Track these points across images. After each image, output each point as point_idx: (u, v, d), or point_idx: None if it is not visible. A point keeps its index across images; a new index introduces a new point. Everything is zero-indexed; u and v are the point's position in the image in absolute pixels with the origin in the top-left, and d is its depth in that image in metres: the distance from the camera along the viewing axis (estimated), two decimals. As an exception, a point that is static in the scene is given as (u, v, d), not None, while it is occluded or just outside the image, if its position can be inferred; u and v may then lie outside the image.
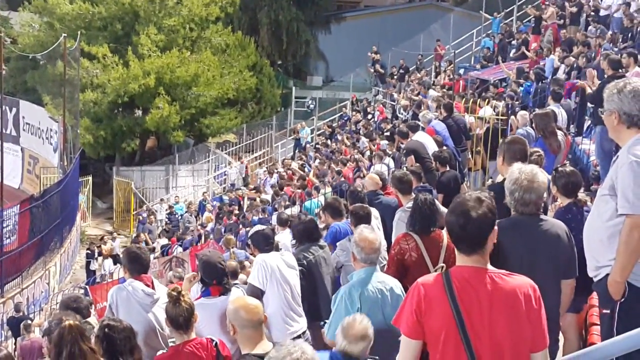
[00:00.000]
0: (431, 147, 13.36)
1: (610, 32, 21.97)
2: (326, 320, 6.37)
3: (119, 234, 33.54)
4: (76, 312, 6.72)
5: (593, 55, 20.25)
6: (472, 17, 40.26)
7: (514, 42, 29.09)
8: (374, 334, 5.33)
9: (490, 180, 11.73)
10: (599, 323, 5.16)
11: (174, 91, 37.27)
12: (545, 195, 5.74)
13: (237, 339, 5.18)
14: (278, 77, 44.50)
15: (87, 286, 20.97)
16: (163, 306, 6.05)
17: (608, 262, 4.78)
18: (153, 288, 6.90)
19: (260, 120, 41.02)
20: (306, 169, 27.74)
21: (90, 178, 36.59)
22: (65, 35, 33.19)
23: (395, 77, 35.48)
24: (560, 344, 6.13)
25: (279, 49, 46.09)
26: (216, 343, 5.68)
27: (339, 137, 30.51)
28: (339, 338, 5.25)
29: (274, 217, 20.06)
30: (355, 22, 48.51)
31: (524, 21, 31.70)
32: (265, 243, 7.73)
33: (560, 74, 20.07)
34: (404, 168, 12.65)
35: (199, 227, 27.78)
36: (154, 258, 21.76)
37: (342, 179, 20.65)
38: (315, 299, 7.83)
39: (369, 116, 32.36)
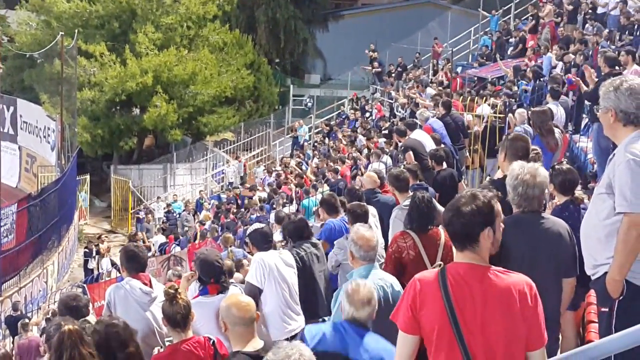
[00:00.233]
0: (429, 145, 13.35)
1: (607, 30, 21.99)
2: (325, 318, 6.38)
3: (115, 233, 33.59)
4: (75, 310, 6.72)
5: (590, 53, 20.27)
6: (470, 15, 40.29)
7: (511, 39, 29.10)
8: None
9: (488, 178, 11.72)
10: (596, 321, 5.16)
11: (171, 89, 37.23)
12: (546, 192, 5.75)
13: (229, 336, 5.18)
14: (276, 75, 44.46)
15: (85, 285, 20.98)
16: (161, 305, 6.05)
17: (606, 260, 4.78)
18: (151, 286, 6.89)
19: (258, 119, 41.01)
20: (303, 167, 27.75)
21: (87, 177, 36.53)
22: (63, 33, 33.16)
23: (393, 75, 35.48)
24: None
25: (276, 47, 46.05)
26: (214, 342, 5.67)
27: (337, 136, 30.51)
28: (345, 306, 5.24)
29: (272, 216, 20.09)
30: (353, 20, 48.50)
31: (522, 19, 31.71)
32: (263, 241, 7.73)
33: (558, 72, 20.06)
34: (402, 166, 12.65)
35: (197, 226, 27.79)
36: (152, 256, 21.78)
37: (340, 177, 20.66)
38: (310, 296, 7.83)
39: (367, 114, 32.36)
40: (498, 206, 4.10)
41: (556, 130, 10.37)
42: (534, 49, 24.83)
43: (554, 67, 21.05)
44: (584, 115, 16.50)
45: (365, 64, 39.66)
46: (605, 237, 4.79)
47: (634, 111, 4.83)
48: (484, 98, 19.68)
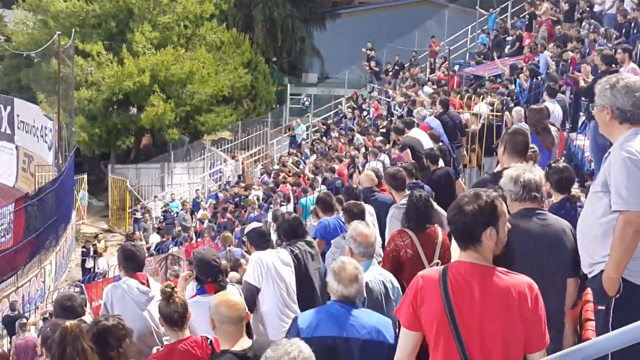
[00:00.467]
0: (427, 144, 13.37)
1: (603, 28, 22.00)
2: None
3: (112, 232, 33.57)
4: (70, 310, 6.71)
5: (587, 51, 20.28)
6: (467, 14, 40.31)
7: (508, 38, 29.10)
8: None
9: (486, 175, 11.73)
10: (593, 319, 5.16)
11: (168, 89, 37.20)
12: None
13: (217, 335, 5.18)
14: (273, 74, 44.47)
15: (82, 284, 20.96)
16: (158, 304, 6.05)
17: (602, 258, 4.79)
18: (148, 286, 6.89)
19: (256, 118, 41.01)
20: (301, 166, 27.75)
21: (85, 176, 36.51)
22: (60, 33, 33.09)
23: (390, 73, 35.48)
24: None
25: (273, 46, 46.04)
26: (211, 341, 5.67)
27: (334, 134, 30.50)
28: (333, 285, 5.26)
29: (269, 214, 20.10)
30: (350, 18, 48.49)
31: (520, 16, 31.70)
32: (261, 240, 7.73)
33: (554, 70, 20.08)
34: (399, 164, 12.66)
35: (197, 224, 27.82)
36: (149, 256, 21.77)
37: (337, 175, 20.66)
38: (305, 295, 7.83)
39: (364, 113, 32.36)
40: (503, 206, 4.09)
41: (553, 128, 10.39)
42: (531, 47, 24.83)
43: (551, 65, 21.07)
44: (581, 113, 16.52)
45: (363, 63, 39.68)
46: (602, 236, 4.80)
47: (630, 109, 4.84)
48: (481, 96, 19.69)
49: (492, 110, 16.44)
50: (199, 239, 23.87)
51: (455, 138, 15.39)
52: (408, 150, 12.68)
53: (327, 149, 27.61)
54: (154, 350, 6.20)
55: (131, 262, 6.99)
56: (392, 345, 5.06)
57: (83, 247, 28.97)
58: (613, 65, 13.26)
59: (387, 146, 18.95)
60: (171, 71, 36.55)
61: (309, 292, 7.82)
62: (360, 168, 19.44)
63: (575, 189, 7.04)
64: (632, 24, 19.92)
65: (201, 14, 38.97)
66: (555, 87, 14.64)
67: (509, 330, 3.89)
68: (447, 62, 30.12)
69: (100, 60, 36.30)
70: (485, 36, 31.87)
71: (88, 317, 7.20)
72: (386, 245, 7.51)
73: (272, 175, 28.15)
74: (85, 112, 36.80)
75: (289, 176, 26.00)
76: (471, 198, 4.01)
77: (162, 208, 32.62)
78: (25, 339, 15.63)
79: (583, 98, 15.95)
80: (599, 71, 13.23)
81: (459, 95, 20.54)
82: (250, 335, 7.09)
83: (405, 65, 35.82)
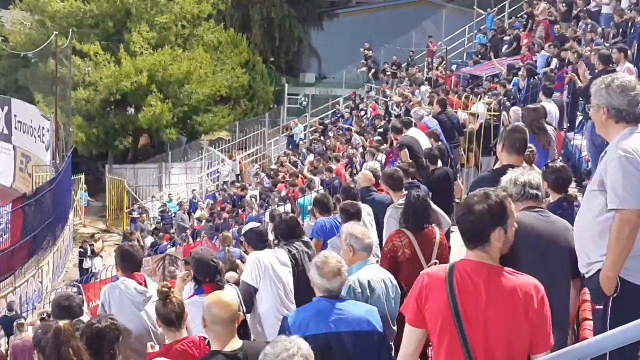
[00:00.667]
0: (425, 143, 13.37)
1: (600, 28, 22.01)
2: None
3: (110, 232, 33.55)
4: (68, 310, 6.72)
5: (585, 50, 20.27)
6: (464, 13, 40.29)
7: (506, 37, 29.10)
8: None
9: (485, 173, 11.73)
10: (591, 318, 5.17)
11: (166, 89, 37.18)
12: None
13: (207, 334, 5.17)
14: (270, 74, 44.45)
15: (80, 284, 20.94)
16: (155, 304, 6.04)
17: (599, 257, 4.80)
18: (146, 286, 6.89)
19: (253, 118, 41.00)
20: (299, 166, 27.74)
21: (82, 176, 36.49)
22: (57, 33, 33.11)
23: (388, 73, 35.48)
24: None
25: (271, 46, 46.04)
26: (208, 341, 5.67)
27: (332, 134, 30.50)
28: (316, 280, 5.33)
29: (267, 214, 20.08)
30: (347, 18, 48.51)
31: (518, 16, 31.70)
32: (259, 240, 7.73)
33: (553, 69, 20.08)
34: (396, 164, 12.66)
35: (193, 224, 27.82)
36: (146, 256, 21.73)
37: (334, 175, 20.66)
38: (302, 295, 7.83)
39: (362, 113, 32.35)
40: (511, 206, 4.09)
41: (549, 127, 10.40)
42: (529, 47, 24.86)
43: (548, 65, 21.08)
44: (578, 113, 16.53)
45: (360, 63, 39.70)
46: (599, 234, 4.80)
47: (625, 108, 4.85)
48: (479, 96, 19.69)
49: (489, 110, 16.44)
50: (196, 239, 23.86)
51: (453, 138, 15.39)
52: (406, 150, 12.68)
53: (324, 149, 27.60)
54: (149, 346, 6.19)
55: (128, 262, 6.98)
56: (380, 333, 5.27)
57: (80, 247, 28.97)
58: (610, 65, 13.28)
59: (384, 146, 18.95)
60: (169, 71, 36.54)
61: (306, 292, 7.82)
62: (358, 168, 19.46)
63: (572, 189, 7.06)
64: (629, 24, 19.91)
65: (199, 14, 38.97)
66: (551, 87, 14.64)
67: (513, 331, 3.89)
68: (444, 62, 30.13)
69: (97, 60, 36.28)
70: (482, 36, 31.88)
71: (86, 318, 7.21)
72: (384, 246, 7.51)
73: (270, 175, 28.12)
74: (82, 112, 36.79)
75: (289, 176, 26.00)
76: (480, 198, 4.00)
77: (159, 208, 32.63)
78: (22, 339, 15.60)
79: (581, 98, 15.95)
80: (596, 71, 13.24)
81: (456, 95, 20.54)
82: (247, 336, 7.12)
83: (403, 65, 35.82)
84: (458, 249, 10.67)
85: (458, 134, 15.68)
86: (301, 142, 33.28)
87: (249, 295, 7.25)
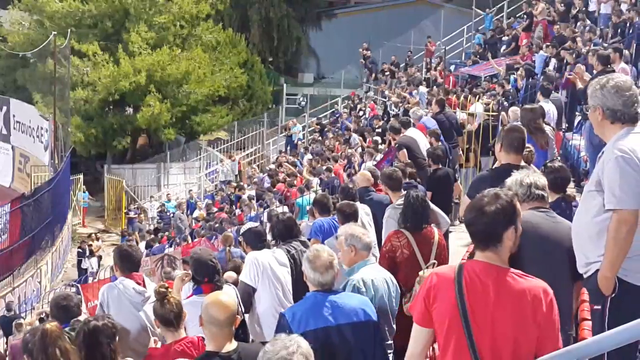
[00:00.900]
0: (423, 144, 13.38)
1: (599, 28, 22.03)
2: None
3: (109, 232, 33.55)
4: (66, 310, 6.71)
5: (583, 51, 20.28)
6: (463, 13, 40.32)
7: (504, 38, 29.11)
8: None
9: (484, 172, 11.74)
10: (590, 318, 5.17)
11: (164, 89, 37.20)
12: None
13: (204, 333, 5.17)
14: (269, 74, 44.49)
15: (78, 284, 20.93)
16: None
17: (597, 258, 4.80)
18: (144, 286, 6.88)
19: (252, 118, 41.03)
20: (297, 166, 27.75)
21: (81, 176, 36.49)
22: (55, 33, 33.12)
23: (387, 73, 35.49)
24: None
25: (269, 46, 46.07)
26: (207, 341, 5.67)
27: (330, 135, 30.51)
28: (309, 274, 5.39)
29: (265, 214, 20.07)
30: (346, 18, 48.54)
31: (517, 16, 31.71)
32: (257, 240, 7.73)
33: (551, 70, 20.09)
34: (395, 164, 12.66)
35: (192, 224, 27.83)
36: (146, 256, 21.73)
37: (333, 175, 20.66)
38: (301, 295, 7.83)
39: (360, 113, 32.37)
40: (519, 205, 4.11)
41: (548, 127, 10.40)
42: (528, 47, 24.87)
43: (547, 65, 21.09)
44: (577, 113, 16.53)
45: (359, 63, 39.72)
46: (597, 235, 4.81)
47: (620, 108, 4.86)
48: (477, 96, 19.70)
49: (487, 111, 16.44)
50: (194, 240, 23.85)
51: (452, 138, 15.39)
52: (404, 150, 12.68)
53: (323, 149, 27.61)
54: (152, 341, 6.18)
55: (127, 262, 6.97)
56: (375, 322, 5.34)
57: (79, 247, 28.97)
58: (609, 66, 13.28)
59: (382, 146, 18.96)
60: (167, 71, 36.54)
61: (304, 292, 7.82)
62: (356, 168, 19.45)
63: (571, 189, 7.07)
64: (627, 24, 19.93)
65: (197, 14, 38.99)
66: (549, 87, 14.64)
67: (521, 333, 3.89)
68: (442, 62, 30.14)
69: (96, 60, 36.29)
70: (481, 36, 31.88)
71: (84, 318, 7.20)
72: (382, 246, 7.51)
73: (270, 175, 28.11)
74: (81, 112, 36.81)
75: (288, 177, 26.02)
76: (491, 198, 4.00)
77: (158, 208, 32.63)
78: (20, 339, 15.60)
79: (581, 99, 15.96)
80: (595, 71, 13.24)
81: (454, 95, 20.54)
82: (246, 336, 7.12)
83: (401, 65, 35.82)
84: (457, 249, 10.70)
85: (456, 134, 15.68)
86: (300, 142, 33.27)
87: (248, 295, 7.25)
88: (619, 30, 20.29)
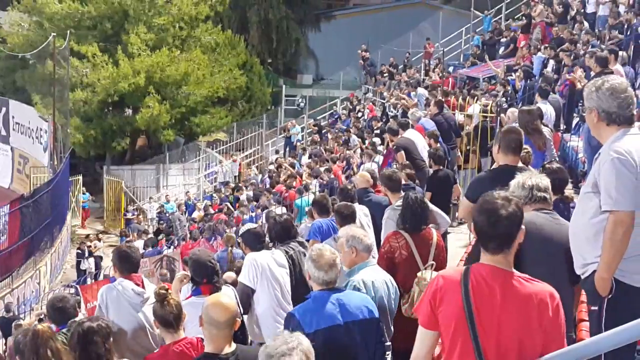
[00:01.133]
0: (421, 145, 13.39)
1: (597, 30, 22.05)
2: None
3: (108, 233, 33.54)
4: (62, 311, 6.72)
5: (581, 52, 20.31)
6: (461, 15, 40.36)
7: (502, 39, 29.14)
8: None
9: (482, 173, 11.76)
10: (587, 319, 5.19)
11: (164, 90, 37.21)
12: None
13: (203, 334, 5.19)
14: (268, 75, 44.49)
15: (77, 285, 20.93)
16: (152, 306, 6.04)
17: (594, 259, 4.81)
18: (143, 287, 6.89)
19: (251, 119, 41.03)
20: (297, 167, 27.76)
21: (80, 177, 36.50)
22: (55, 34, 33.13)
23: (385, 75, 35.51)
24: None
25: (269, 48, 46.09)
26: (207, 342, 5.67)
27: (330, 136, 30.53)
28: (313, 273, 5.45)
29: (264, 216, 20.08)
30: (345, 20, 48.57)
31: (515, 17, 31.75)
32: (256, 242, 7.74)
33: (549, 71, 20.12)
34: (394, 165, 12.69)
35: (190, 225, 27.83)
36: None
37: (332, 176, 20.68)
38: (300, 296, 7.85)
39: (359, 114, 32.39)
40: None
41: (546, 129, 10.42)
42: (528, 47, 24.89)
43: (545, 67, 21.12)
44: (575, 115, 16.56)
45: (358, 65, 39.74)
46: (594, 236, 4.82)
47: (615, 110, 4.87)
48: (475, 98, 19.71)
49: (484, 112, 16.43)
50: (192, 241, 23.86)
51: (450, 139, 15.41)
52: (402, 152, 12.70)
53: (322, 151, 27.62)
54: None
55: (126, 263, 6.97)
56: (377, 319, 5.46)
57: (78, 248, 28.97)
58: (608, 67, 13.29)
59: (381, 147, 18.97)
60: (166, 73, 36.55)
61: (303, 293, 7.82)
62: (355, 169, 19.46)
63: (569, 190, 7.08)
64: (625, 26, 19.96)
65: (196, 16, 39.00)
66: (547, 88, 14.66)
67: (527, 337, 3.88)
68: (441, 64, 30.17)
69: (95, 61, 36.29)
70: (479, 37, 31.92)
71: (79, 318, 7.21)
72: (381, 247, 7.52)
73: (271, 176, 28.13)
74: (80, 113, 36.81)
75: (287, 178, 26.03)
76: (504, 202, 3.98)
77: (157, 209, 32.63)
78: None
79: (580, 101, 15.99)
80: (593, 73, 13.26)
81: (453, 97, 20.55)
82: (245, 337, 7.14)
83: (399, 67, 35.85)
84: (455, 250, 10.74)
85: (455, 136, 15.70)
86: (299, 144, 33.29)
87: (246, 296, 7.26)
88: (617, 32, 20.31)
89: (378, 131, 24.48)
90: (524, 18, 27.88)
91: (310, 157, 27.17)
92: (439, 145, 13.56)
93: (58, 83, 33.57)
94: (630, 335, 3.66)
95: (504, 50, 27.91)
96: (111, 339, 5.45)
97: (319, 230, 9.04)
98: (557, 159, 11.14)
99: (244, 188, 28.26)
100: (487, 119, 15.83)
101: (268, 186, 25.66)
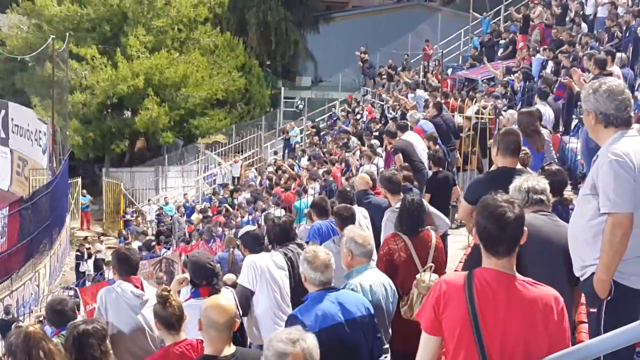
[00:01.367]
0: (420, 147, 13.39)
1: (595, 31, 22.07)
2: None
3: (107, 236, 33.53)
4: (61, 314, 6.72)
5: (580, 54, 20.31)
6: (460, 17, 40.38)
7: (501, 41, 29.15)
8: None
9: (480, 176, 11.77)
10: (586, 321, 5.19)
11: (162, 92, 37.23)
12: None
13: (202, 337, 5.19)
14: (267, 77, 44.51)
15: (76, 288, 20.93)
16: (152, 307, 6.04)
17: (593, 261, 4.81)
18: (142, 289, 6.89)
19: (250, 121, 41.05)
20: (296, 169, 27.76)
21: (79, 180, 36.49)
22: (54, 36, 33.14)
23: (384, 77, 35.52)
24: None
25: (267, 50, 46.10)
26: (206, 344, 5.67)
27: (329, 138, 30.53)
28: (309, 274, 5.50)
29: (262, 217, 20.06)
30: (343, 22, 48.57)
31: (514, 20, 31.75)
32: (255, 243, 7.74)
33: (548, 73, 20.12)
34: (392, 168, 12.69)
35: (186, 227, 27.85)
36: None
37: (331, 178, 20.67)
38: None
39: (358, 116, 32.39)
40: None
41: (545, 130, 10.42)
42: (528, 48, 24.90)
43: (544, 68, 21.12)
44: (574, 117, 16.56)
45: (356, 67, 39.74)
46: (592, 238, 4.82)
47: (613, 112, 4.88)
48: (474, 100, 19.70)
49: (481, 114, 16.42)
50: (192, 243, 23.86)
51: (449, 141, 15.42)
52: (400, 155, 12.69)
53: (322, 153, 27.62)
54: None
55: (125, 265, 6.97)
56: (373, 316, 5.54)
57: (77, 250, 28.96)
58: (606, 69, 13.29)
59: (381, 149, 18.97)
60: (165, 75, 36.58)
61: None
62: (354, 171, 19.46)
63: (568, 192, 7.08)
64: (624, 27, 19.96)
65: (195, 18, 39.04)
66: (546, 90, 14.67)
67: (532, 341, 3.87)
68: (440, 66, 30.17)
69: (94, 64, 36.32)
70: (477, 39, 31.94)
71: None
72: (380, 249, 7.53)
73: (271, 178, 28.13)
74: (79, 115, 36.83)
75: (287, 180, 26.03)
76: (509, 206, 3.95)
77: (156, 211, 32.63)
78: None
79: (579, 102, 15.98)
80: (591, 75, 13.25)
81: (452, 99, 20.55)
82: (244, 339, 7.13)
83: (398, 69, 35.86)
84: (454, 252, 10.73)
85: (454, 137, 15.70)
86: (297, 146, 33.29)
87: (246, 298, 7.26)
88: (615, 34, 20.31)
89: (377, 133, 24.47)
90: (522, 19, 27.81)
91: (309, 159, 27.16)
92: (437, 147, 13.58)
93: (57, 85, 33.59)
94: (629, 338, 3.66)
95: (502, 52, 27.91)
96: (107, 341, 5.45)
97: (319, 232, 9.04)
98: (556, 161, 11.13)
99: (243, 190, 28.25)
100: (483, 120, 15.81)
101: (267, 187, 25.64)
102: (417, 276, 6.72)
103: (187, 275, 7.03)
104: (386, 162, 15.15)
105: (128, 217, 32.83)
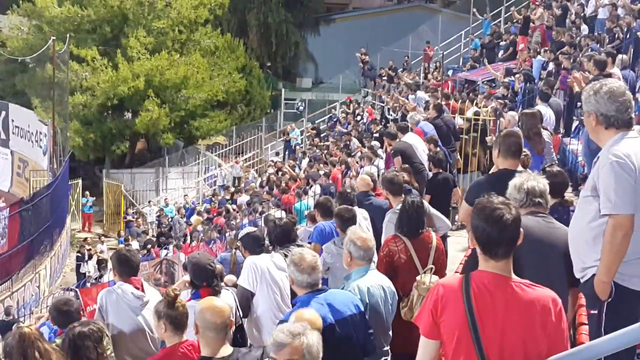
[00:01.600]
0: (421, 148, 13.39)
1: (596, 33, 22.06)
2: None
3: (107, 237, 33.53)
4: (67, 315, 6.72)
5: (580, 56, 20.31)
6: (460, 19, 40.39)
7: (502, 43, 29.14)
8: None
9: (480, 177, 11.76)
10: (587, 323, 5.19)
11: (163, 93, 37.24)
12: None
13: (199, 340, 5.19)
14: (267, 79, 44.53)
15: (77, 289, 20.93)
16: (152, 309, 6.03)
17: (594, 262, 4.81)
18: (143, 291, 6.88)
19: (250, 122, 41.04)
20: (296, 170, 27.76)
21: (80, 181, 36.49)
22: (54, 38, 33.09)
23: (384, 78, 35.52)
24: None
25: (268, 51, 46.13)
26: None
27: (330, 139, 30.52)
28: (297, 277, 5.54)
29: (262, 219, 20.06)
30: (344, 23, 48.60)
31: (514, 21, 31.74)
32: (255, 245, 7.74)
33: (551, 73, 20.12)
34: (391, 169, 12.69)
35: (186, 229, 27.86)
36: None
37: (331, 180, 20.66)
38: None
39: (358, 118, 32.38)
40: None
41: (545, 132, 10.42)
42: (528, 50, 24.89)
43: (545, 70, 21.12)
44: (574, 118, 16.55)
45: (357, 68, 39.74)
46: (593, 240, 4.82)
47: (614, 114, 4.88)
48: (474, 101, 19.71)
49: (479, 115, 16.43)
50: (192, 244, 23.87)
51: (449, 142, 15.42)
52: (399, 157, 12.68)
53: (322, 154, 27.61)
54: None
55: (125, 266, 6.96)
56: (362, 313, 5.60)
57: (78, 251, 28.95)
58: (606, 70, 13.29)
59: (381, 150, 18.96)
60: (166, 76, 36.59)
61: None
62: (354, 173, 19.45)
63: (568, 194, 7.08)
64: (625, 29, 19.95)
65: (196, 19, 39.06)
66: (548, 92, 14.67)
67: (530, 344, 3.87)
68: (440, 68, 30.16)
69: (94, 65, 36.34)
70: (478, 41, 31.92)
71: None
72: (380, 250, 7.52)
73: (272, 180, 28.12)
74: (79, 117, 36.84)
75: (288, 182, 26.03)
76: (505, 209, 3.96)
77: (157, 213, 32.63)
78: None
79: (579, 103, 15.98)
80: (592, 76, 13.25)
81: (452, 100, 20.56)
82: (244, 340, 7.13)
83: (398, 71, 35.85)
84: (454, 254, 10.72)
85: (454, 139, 15.70)
86: (298, 147, 33.29)
87: (246, 299, 7.26)
88: (616, 35, 20.31)
89: (377, 134, 24.47)
90: (522, 20, 27.79)
91: (310, 160, 27.16)
92: (438, 149, 13.58)
93: (57, 87, 33.55)
94: (629, 339, 3.66)
95: (503, 54, 27.89)
96: (104, 343, 5.45)
97: (322, 234, 9.04)
98: (557, 162, 11.14)
99: (243, 192, 28.25)
100: (480, 121, 15.81)
101: (267, 189, 25.65)
102: (418, 278, 6.71)
103: (187, 278, 7.04)
104: (386, 164, 15.14)
105: (129, 218, 32.82)
